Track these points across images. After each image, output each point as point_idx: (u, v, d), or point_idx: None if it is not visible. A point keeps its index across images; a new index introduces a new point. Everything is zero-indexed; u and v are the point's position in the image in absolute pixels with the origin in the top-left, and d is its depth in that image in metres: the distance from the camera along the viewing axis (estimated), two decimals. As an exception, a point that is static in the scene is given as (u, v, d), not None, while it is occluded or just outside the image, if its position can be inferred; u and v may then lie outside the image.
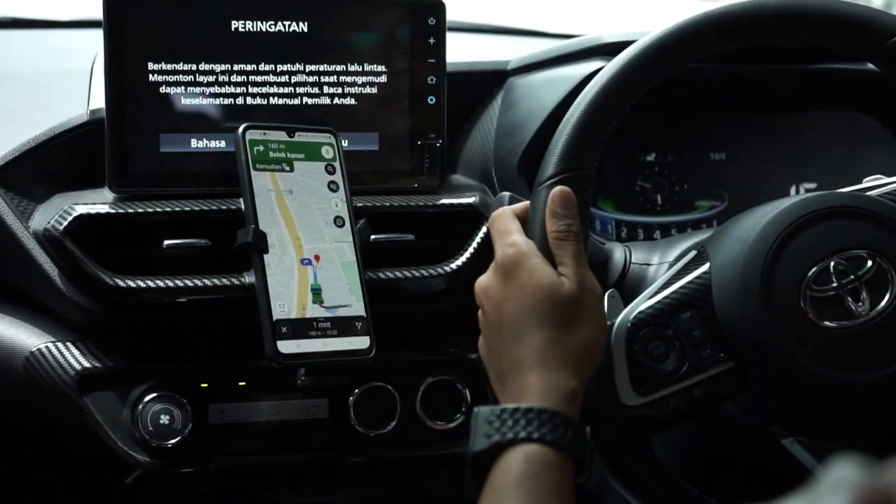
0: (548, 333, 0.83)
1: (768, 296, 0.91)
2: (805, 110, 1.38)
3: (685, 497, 0.92)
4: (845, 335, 0.91)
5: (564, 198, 0.89)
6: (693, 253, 0.99)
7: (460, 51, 1.28)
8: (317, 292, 1.02)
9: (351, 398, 1.13)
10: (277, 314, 0.99)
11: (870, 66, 1.28)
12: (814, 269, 0.92)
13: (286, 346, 0.99)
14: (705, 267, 0.96)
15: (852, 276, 0.92)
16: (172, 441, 1.09)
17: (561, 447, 0.76)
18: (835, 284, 0.91)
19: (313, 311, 1.01)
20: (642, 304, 0.96)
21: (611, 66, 0.95)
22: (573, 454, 0.77)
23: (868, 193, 0.98)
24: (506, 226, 0.90)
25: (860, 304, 0.91)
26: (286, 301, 1.00)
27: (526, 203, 0.93)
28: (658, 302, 0.96)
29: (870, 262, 0.92)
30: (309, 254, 1.02)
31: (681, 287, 0.96)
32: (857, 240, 0.93)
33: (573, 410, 0.80)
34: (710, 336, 0.94)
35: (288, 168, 1.04)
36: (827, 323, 0.91)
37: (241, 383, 1.13)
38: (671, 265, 1.00)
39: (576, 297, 0.85)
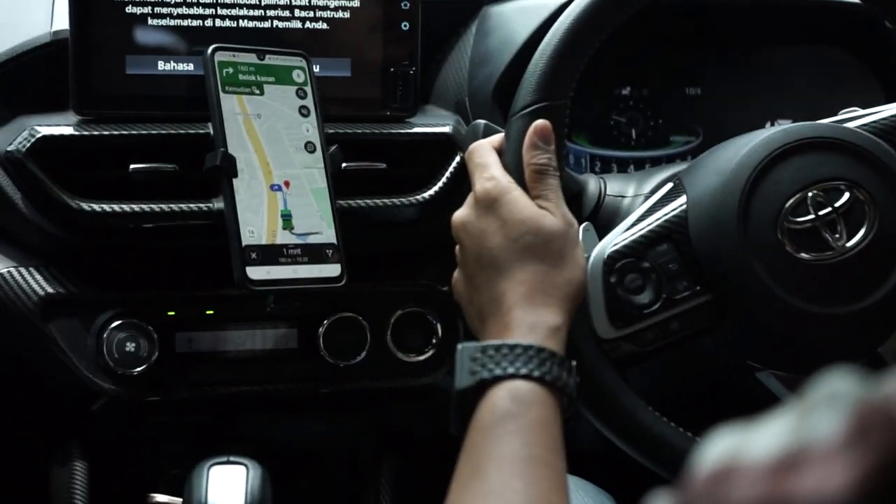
0: (532, 268, 0.81)
1: (745, 228, 0.91)
2: (781, 45, 1.37)
3: (661, 430, 0.92)
4: (821, 267, 0.91)
5: (544, 131, 0.87)
6: (669, 185, 0.98)
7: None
8: (287, 218, 1.00)
9: (321, 328, 1.12)
10: (247, 240, 0.97)
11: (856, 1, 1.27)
12: (791, 201, 0.91)
13: (255, 273, 0.97)
14: (682, 199, 0.95)
15: (829, 209, 0.91)
16: (138, 369, 1.08)
17: (547, 383, 0.75)
18: (811, 216, 0.91)
19: (283, 238, 0.99)
20: (618, 236, 0.95)
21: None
22: (560, 389, 0.76)
23: (845, 125, 0.97)
24: (483, 159, 0.88)
25: (837, 235, 0.91)
26: (256, 227, 0.98)
27: (502, 135, 0.91)
28: (634, 234, 0.94)
29: (847, 194, 0.92)
30: (279, 179, 1.00)
31: (657, 219, 0.95)
32: (834, 171, 0.93)
33: (558, 346, 0.78)
34: (686, 269, 0.93)
35: (258, 91, 1.02)
36: (803, 255, 0.90)
37: (208, 312, 1.11)
38: (647, 197, 0.99)
39: (560, 231, 0.83)
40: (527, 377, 0.74)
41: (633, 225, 0.95)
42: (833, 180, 0.92)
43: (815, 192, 0.92)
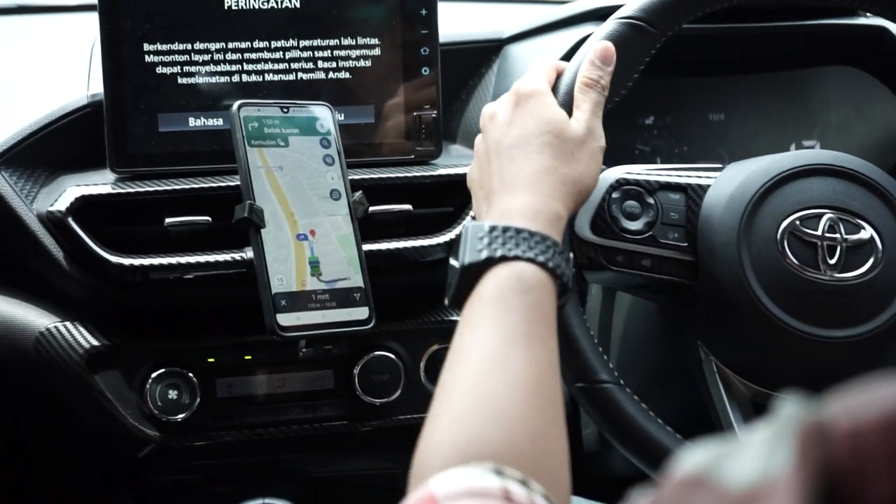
0: (546, 161, 0.84)
1: (753, 210, 0.94)
2: (802, 68, 1.38)
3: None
4: (800, 281, 0.92)
5: (606, 52, 0.93)
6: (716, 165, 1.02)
7: (456, 20, 1.29)
8: (315, 266, 1.03)
9: (356, 369, 1.15)
10: (276, 288, 1.01)
11: (864, 21, 1.28)
12: (810, 211, 0.94)
13: (285, 319, 1.00)
14: (715, 174, 0.99)
15: (838, 236, 0.93)
16: (181, 415, 1.11)
17: (549, 269, 0.77)
18: (819, 233, 0.93)
19: (312, 285, 1.03)
20: (641, 167, 0.99)
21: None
22: (559, 277, 0.78)
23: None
24: (540, 66, 0.93)
25: (831, 261, 0.92)
26: (285, 275, 1.01)
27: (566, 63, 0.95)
28: (657, 171, 0.98)
29: (865, 233, 0.94)
30: (304, 229, 1.04)
31: (685, 173, 0.99)
32: (862, 208, 0.95)
33: (558, 235, 0.81)
34: (684, 225, 0.96)
35: (283, 143, 1.06)
36: (790, 259, 0.92)
37: (246, 357, 1.15)
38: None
39: (581, 138, 0.87)
40: (531, 261, 0.77)
41: (660, 169, 0.99)
42: (860, 217, 0.94)
43: (835, 215, 0.94)
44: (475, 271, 0.78)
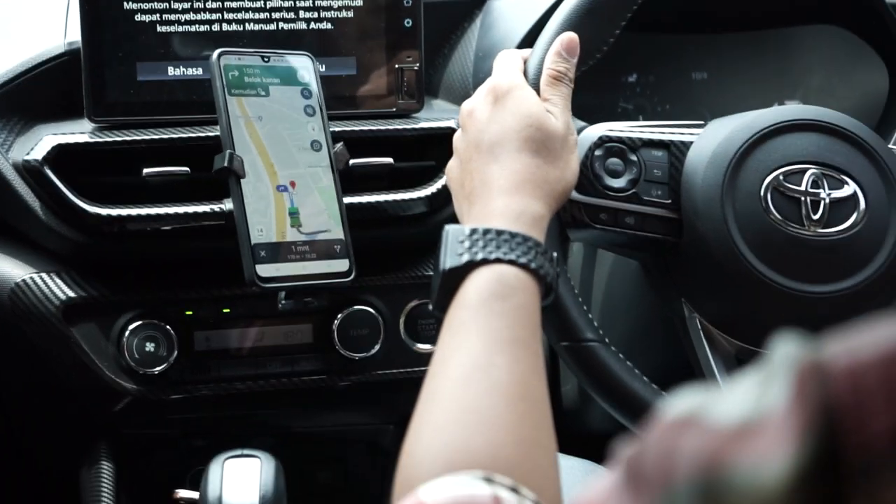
0: (527, 159, 0.83)
1: (736, 166, 0.93)
2: (785, 26, 1.37)
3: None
4: (784, 236, 0.92)
5: (570, 42, 0.92)
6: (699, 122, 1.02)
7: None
8: (295, 217, 1.02)
9: (335, 322, 1.14)
10: (256, 238, 1.00)
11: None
12: (793, 167, 0.94)
13: (265, 270, 1.00)
14: (698, 130, 0.98)
15: (822, 191, 0.93)
16: (159, 368, 1.10)
17: (532, 270, 0.77)
18: (802, 188, 0.92)
19: (292, 236, 1.02)
20: (623, 125, 0.98)
21: None
22: (542, 278, 0.78)
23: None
24: (508, 59, 0.93)
25: (815, 216, 0.92)
26: (264, 226, 1.00)
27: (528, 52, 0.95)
28: (639, 127, 0.98)
29: (848, 189, 0.93)
30: (284, 180, 1.03)
31: (668, 128, 0.98)
32: (846, 163, 0.94)
33: (540, 235, 0.81)
34: (668, 182, 0.96)
35: (264, 93, 1.04)
36: (774, 215, 0.92)
37: (224, 310, 1.14)
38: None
39: (561, 133, 0.86)
40: (513, 263, 0.76)
41: (643, 126, 0.99)
42: (844, 172, 0.94)
43: (819, 170, 0.93)
44: (457, 275, 0.77)
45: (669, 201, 0.95)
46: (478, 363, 0.70)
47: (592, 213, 0.95)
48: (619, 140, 0.96)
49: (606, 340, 0.92)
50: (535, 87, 0.90)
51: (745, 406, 0.39)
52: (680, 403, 0.42)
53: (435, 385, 0.71)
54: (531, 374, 0.71)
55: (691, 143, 0.97)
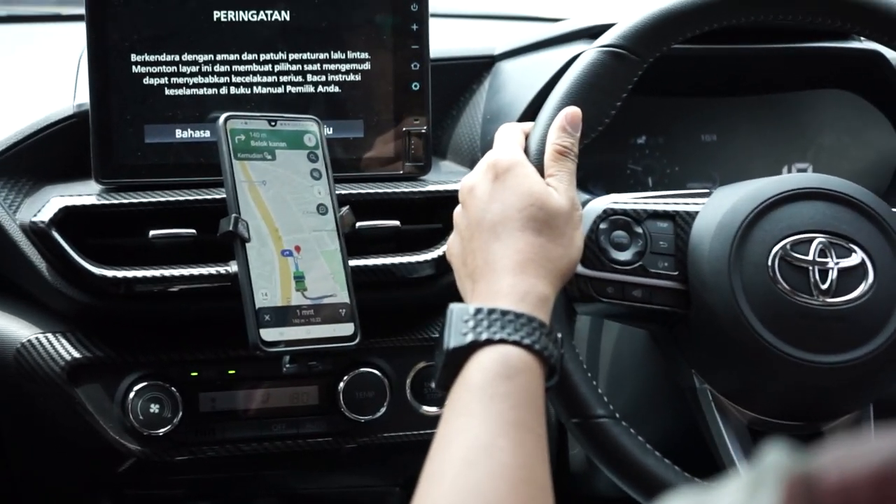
0: (531, 238, 0.83)
1: (743, 237, 0.93)
2: (794, 90, 1.37)
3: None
4: (793, 307, 0.91)
5: (574, 117, 0.92)
6: (701, 189, 1.02)
7: (448, 36, 1.28)
8: (300, 281, 1.02)
9: (340, 385, 1.14)
10: (260, 302, 0.99)
11: (858, 45, 1.28)
12: (800, 236, 0.93)
13: (269, 334, 0.99)
14: (703, 200, 0.98)
15: (830, 260, 0.92)
16: (163, 430, 1.10)
17: (536, 351, 0.76)
18: (810, 258, 0.92)
19: (297, 300, 1.01)
20: (627, 197, 0.98)
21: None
22: (546, 359, 0.77)
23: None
24: (509, 134, 0.93)
25: (823, 286, 0.92)
26: (269, 290, 1.00)
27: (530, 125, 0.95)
28: (643, 199, 0.98)
29: (856, 258, 0.93)
30: (289, 245, 1.02)
31: (672, 199, 0.98)
32: (853, 231, 0.94)
33: (545, 316, 0.80)
34: (674, 253, 0.96)
35: (270, 157, 1.05)
36: (782, 285, 0.92)
37: (230, 372, 1.13)
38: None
39: (565, 210, 0.86)
40: (517, 343, 0.76)
41: (647, 197, 0.98)
42: (850, 240, 0.94)
43: (826, 239, 0.93)
44: (461, 355, 0.77)
45: (676, 273, 0.95)
46: (481, 445, 0.70)
47: (599, 286, 0.94)
48: (624, 213, 0.96)
49: (617, 416, 0.91)
50: (538, 162, 0.89)
51: None
52: None
53: (437, 466, 0.70)
54: (535, 457, 0.71)
55: (696, 213, 0.97)
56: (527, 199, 0.85)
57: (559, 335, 0.81)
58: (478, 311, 0.78)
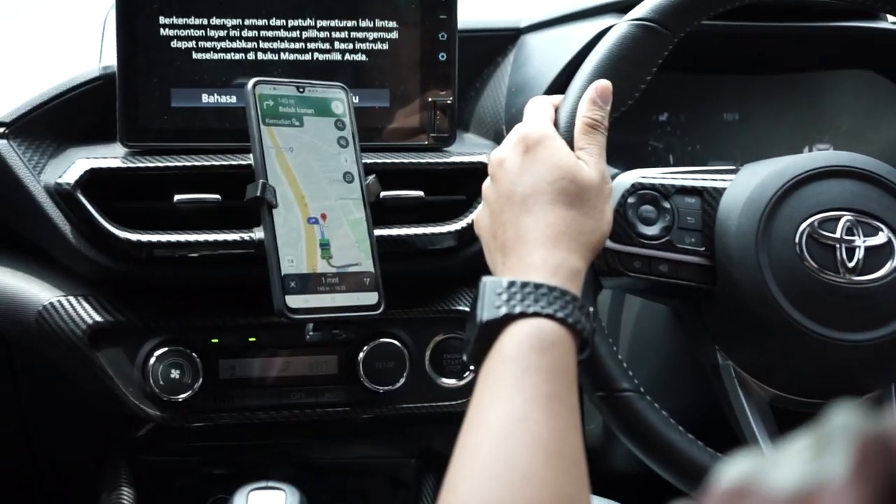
0: (562, 211, 0.83)
1: (771, 213, 0.93)
2: (818, 70, 1.37)
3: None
4: (819, 284, 0.91)
5: (605, 91, 0.91)
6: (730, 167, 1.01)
7: (474, 8, 1.28)
8: (325, 249, 1.02)
9: (360, 355, 1.14)
10: (286, 269, 0.99)
11: (887, 25, 1.27)
12: (828, 213, 0.93)
13: (294, 301, 0.99)
14: (731, 176, 0.98)
15: (857, 238, 0.92)
16: (183, 395, 1.10)
17: (569, 325, 0.76)
18: (837, 235, 0.92)
19: (322, 268, 1.01)
20: (656, 171, 0.98)
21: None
22: (578, 333, 0.77)
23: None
24: (538, 107, 0.92)
25: (850, 263, 0.92)
26: (295, 257, 1.00)
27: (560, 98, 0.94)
28: (671, 174, 0.98)
29: (882, 236, 0.93)
30: (315, 212, 1.02)
31: (700, 174, 0.98)
32: (881, 210, 0.94)
33: (577, 289, 0.80)
34: (701, 229, 0.96)
35: (297, 123, 1.04)
36: (808, 262, 0.92)
37: (251, 339, 1.13)
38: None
39: (595, 183, 0.85)
40: (551, 317, 0.76)
41: (675, 172, 0.98)
42: (878, 219, 0.93)
43: (854, 217, 0.93)
44: (494, 328, 0.76)
45: (703, 248, 0.95)
46: (516, 417, 0.70)
47: (626, 261, 0.94)
48: (652, 187, 0.96)
49: (642, 390, 0.91)
50: (568, 135, 0.89)
51: (801, 473, 0.39)
52: (733, 470, 0.41)
53: (472, 438, 0.70)
54: (569, 429, 0.71)
55: (724, 189, 0.96)
56: (557, 171, 0.84)
57: (591, 309, 0.81)
58: (511, 283, 0.77)
